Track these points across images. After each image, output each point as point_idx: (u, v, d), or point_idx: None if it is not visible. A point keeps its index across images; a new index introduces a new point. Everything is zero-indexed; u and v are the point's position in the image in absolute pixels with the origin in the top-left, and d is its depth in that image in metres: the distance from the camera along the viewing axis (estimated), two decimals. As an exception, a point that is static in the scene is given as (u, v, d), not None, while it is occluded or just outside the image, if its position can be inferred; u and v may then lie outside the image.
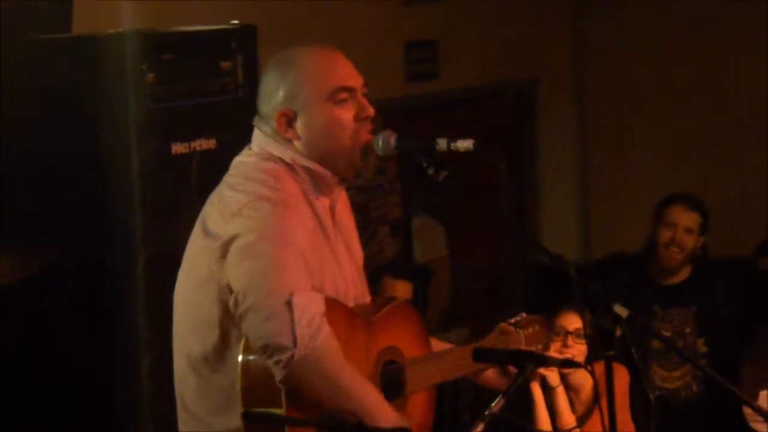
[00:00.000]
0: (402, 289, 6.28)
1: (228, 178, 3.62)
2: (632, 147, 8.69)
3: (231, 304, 3.43)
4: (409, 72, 7.62)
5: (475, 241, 7.41)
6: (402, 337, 3.76)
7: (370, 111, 3.67)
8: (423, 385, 3.80)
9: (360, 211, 7.33)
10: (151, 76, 4.72)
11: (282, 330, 3.32)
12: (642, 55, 8.61)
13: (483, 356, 3.82)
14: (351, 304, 3.71)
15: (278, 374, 3.35)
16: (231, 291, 3.43)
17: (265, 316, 3.34)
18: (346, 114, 3.62)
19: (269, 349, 3.34)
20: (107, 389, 4.70)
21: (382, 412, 3.48)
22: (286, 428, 3.40)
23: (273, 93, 3.63)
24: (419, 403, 3.80)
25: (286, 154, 3.62)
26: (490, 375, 4.00)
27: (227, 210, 3.49)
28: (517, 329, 4.12)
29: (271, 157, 3.62)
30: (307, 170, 3.63)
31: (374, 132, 3.69)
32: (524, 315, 4.21)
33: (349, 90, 3.64)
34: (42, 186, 4.75)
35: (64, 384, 4.70)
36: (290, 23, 6.24)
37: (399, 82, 7.50)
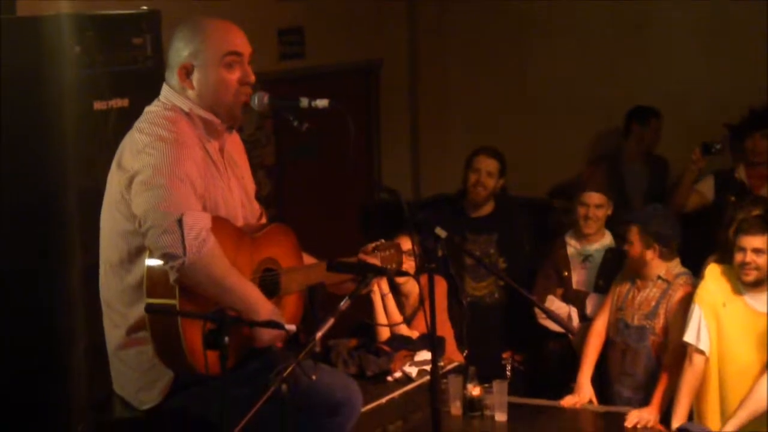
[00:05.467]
0: None
1: (138, 123, 3.64)
2: (452, 111, 8.77)
3: (136, 225, 3.46)
4: (282, 52, 7.60)
5: (332, 180, 7.42)
6: (279, 251, 3.79)
7: (252, 77, 3.70)
8: (294, 289, 3.82)
9: (243, 158, 7.31)
10: (78, 48, 4.69)
11: (174, 243, 3.36)
12: (461, 44, 8.68)
13: (335, 267, 3.85)
14: (240, 222, 3.75)
15: (172, 276, 3.41)
16: (135, 216, 3.46)
17: (161, 232, 3.37)
18: (233, 76, 3.65)
19: (165, 258, 3.39)
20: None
21: (260, 305, 3.54)
22: (179, 318, 3.43)
23: (179, 50, 3.65)
24: (291, 302, 3.83)
25: (185, 105, 3.66)
26: (346, 286, 3.99)
27: (134, 148, 3.53)
28: (375, 252, 4.12)
29: (173, 107, 3.65)
30: (201, 118, 3.66)
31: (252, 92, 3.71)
32: (382, 241, 4.21)
33: (237, 54, 3.66)
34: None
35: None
36: (187, 10, 6.16)
37: (274, 60, 7.48)
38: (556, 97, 8.33)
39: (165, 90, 3.70)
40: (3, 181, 4.63)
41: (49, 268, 4.66)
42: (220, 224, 3.53)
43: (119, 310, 3.63)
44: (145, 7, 5.13)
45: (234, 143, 3.87)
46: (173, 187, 3.41)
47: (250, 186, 3.92)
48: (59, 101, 4.62)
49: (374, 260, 4.07)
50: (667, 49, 7.93)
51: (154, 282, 3.46)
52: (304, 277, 3.85)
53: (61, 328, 4.66)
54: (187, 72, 3.63)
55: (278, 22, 7.53)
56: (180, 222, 3.36)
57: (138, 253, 3.52)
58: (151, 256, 3.46)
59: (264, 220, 4.00)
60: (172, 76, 3.68)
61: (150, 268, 3.47)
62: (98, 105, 4.81)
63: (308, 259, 4.01)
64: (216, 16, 3.77)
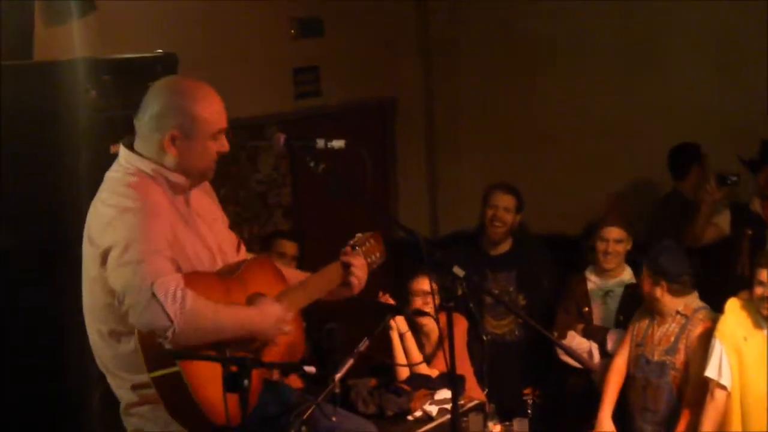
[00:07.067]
0: (289, 247, 6.27)
1: (101, 194, 3.58)
2: (468, 147, 8.75)
3: (116, 303, 3.41)
4: (297, 91, 7.62)
5: (347, 219, 7.41)
6: (263, 282, 3.74)
7: (227, 148, 3.66)
8: (294, 309, 3.75)
9: (260, 198, 7.33)
10: (93, 92, 4.70)
11: (158, 315, 3.30)
12: (474, 82, 8.67)
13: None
14: (219, 266, 3.70)
15: (167, 345, 3.34)
16: (114, 292, 3.41)
17: (141, 309, 3.33)
18: (215, 147, 3.62)
19: (155, 332, 3.34)
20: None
21: (258, 320, 3.54)
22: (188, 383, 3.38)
23: (164, 115, 3.57)
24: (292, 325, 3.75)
25: (148, 167, 3.59)
26: (337, 290, 3.98)
27: (101, 221, 3.48)
28: (355, 248, 4.06)
29: (136, 171, 3.58)
30: (165, 179, 3.60)
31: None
32: (359, 234, 4.15)
33: (223, 130, 3.64)
34: (12, 178, 4.69)
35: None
36: (204, 52, 6.21)
37: (289, 99, 7.49)
38: (571, 127, 8.30)
39: (125, 153, 3.63)
40: (20, 224, 4.63)
41: (65, 316, 4.63)
42: (200, 279, 3.49)
43: (120, 375, 3.59)
44: (160, 51, 5.15)
45: (201, 192, 3.80)
46: (147, 261, 3.35)
47: (223, 222, 3.87)
48: (76, 144, 4.63)
49: (358, 257, 4.02)
50: (679, 72, 7.91)
51: (150, 352, 3.41)
52: (300, 295, 3.82)
53: (77, 379, 4.65)
54: (173, 139, 3.56)
55: (294, 61, 7.54)
56: (154, 294, 3.30)
57: (126, 322, 3.44)
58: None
59: (243, 250, 3.95)
60: (149, 139, 3.59)
61: (142, 338, 3.41)
62: (115, 148, 4.76)
63: (295, 274, 3.98)
64: (201, 80, 3.70)
